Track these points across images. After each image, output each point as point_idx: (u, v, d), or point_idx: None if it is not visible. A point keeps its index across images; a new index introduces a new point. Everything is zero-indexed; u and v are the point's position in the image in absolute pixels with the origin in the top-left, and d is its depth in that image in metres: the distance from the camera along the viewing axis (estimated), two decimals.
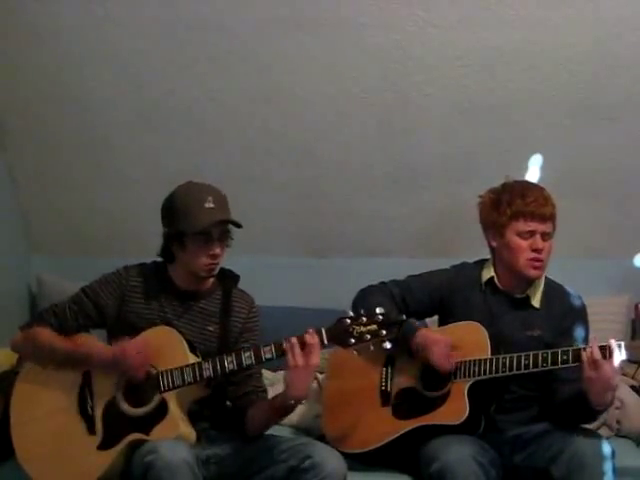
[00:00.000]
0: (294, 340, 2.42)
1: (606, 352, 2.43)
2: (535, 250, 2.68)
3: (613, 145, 3.48)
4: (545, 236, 2.69)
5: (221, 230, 2.58)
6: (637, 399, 3.20)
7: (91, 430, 2.53)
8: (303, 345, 2.41)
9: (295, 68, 3.43)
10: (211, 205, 2.55)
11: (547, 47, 3.28)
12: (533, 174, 3.40)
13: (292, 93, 3.49)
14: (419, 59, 3.35)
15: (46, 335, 2.60)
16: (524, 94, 3.39)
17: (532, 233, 2.68)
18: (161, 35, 3.40)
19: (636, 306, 3.55)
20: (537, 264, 2.69)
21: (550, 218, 2.70)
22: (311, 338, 2.41)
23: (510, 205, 2.70)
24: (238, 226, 2.59)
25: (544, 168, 3.41)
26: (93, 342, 2.63)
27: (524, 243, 2.69)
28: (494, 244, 2.78)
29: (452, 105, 3.44)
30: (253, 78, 3.47)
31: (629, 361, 3.33)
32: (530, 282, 2.76)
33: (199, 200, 2.55)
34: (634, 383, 3.30)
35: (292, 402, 2.46)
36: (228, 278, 2.72)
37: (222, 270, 2.72)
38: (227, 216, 2.57)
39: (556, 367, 2.52)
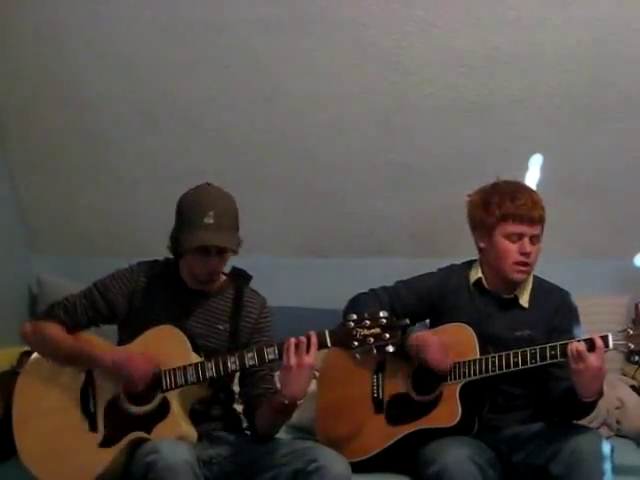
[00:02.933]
0: (291, 340, 2.42)
1: (591, 345, 2.43)
2: (523, 254, 2.67)
3: (613, 145, 3.47)
4: (533, 239, 2.68)
5: (220, 248, 2.56)
6: (637, 399, 3.20)
7: (93, 427, 2.53)
8: (298, 345, 2.41)
9: (295, 68, 3.43)
10: (210, 221, 2.51)
11: (547, 47, 3.28)
12: (533, 174, 3.40)
13: (292, 93, 3.49)
14: (419, 59, 3.35)
15: (54, 331, 2.62)
16: (524, 94, 3.39)
17: (520, 236, 2.67)
18: (161, 35, 3.40)
19: (636, 306, 3.54)
20: (523, 268, 2.68)
21: (539, 221, 2.68)
22: (303, 338, 2.41)
23: (499, 207, 2.68)
24: (234, 252, 2.56)
25: (544, 168, 3.41)
26: (99, 343, 2.64)
27: (512, 246, 2.67)
28: (482, 245, 2.77)
29: (452, 105, 3.44)
30: (253, 78, 3.47)
31: (629, 362, 3.35)
32: (517, 283, 2.76)
33: (200, 213, 2.52)
34: (634, 383, 3.31)
35: (286, 402, 2.44)
36: (240, 277, 2.72)
37: (235, 269, 2.72)
38: (221, 238, 2.52)
39: (545, 363, 2.52)
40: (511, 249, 2.68)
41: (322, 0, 3.29)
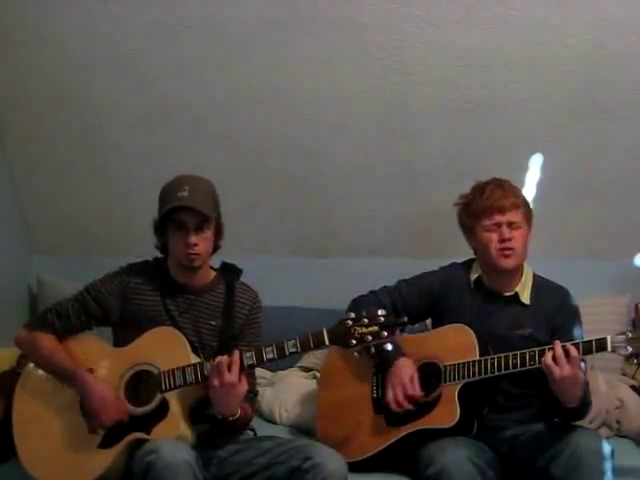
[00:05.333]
0: (217, 360, 2.45)
1: (566, 353, 2.46)
2: (503, 240, 2.71)
3: (613, 145, 3.47)
4: (512, 225, 2.73)
5: (197, 221, 2.57)
6: (637, 399, 3.20)
7: (92, 429, 2.54)
8: (220, 364, 2.44)
9: (295, 68, 3.43)
10: (184, 194, 2.54)
11: (547, 47, 3.28)
12: (533, 174, 3.40)
13: (292, 93, 3.49)
14: (419, 59, 3.34)
15: (47, 344, 2.64)
16: (524, 94, 3.39)
17: (497, 225, 2.73)
18: (161, 35, 3.39)
19: (636, 306, 3.52)
20: (508, 252, 2.72)
21: (512, 207, 2.73)
22: (226, 358, 2.44)
23: (472, 205, 2.78)
24: (206, 217, 2.57)
25: (544, 168, 3.41)
26: (97, 350, 2.64)
27: (492, 235, 2.73)
28: (473, 245, 2.83)
29: (452, 105, 3.44)
30: (253, 78, 3.47)
31: (627, 358, 3.35)
32: (515, 277, 2.77)
33: (175, 188, 2.57)
34: (634, 383, 3.31)
35: (220, 417, 2.49)
36: (230, 272, 2.73)
37: (224, 264, 2.73)
38: (195, 205, 2.55)
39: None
40: (492, 239, 2.73)
41: (322, 0, 3.28)
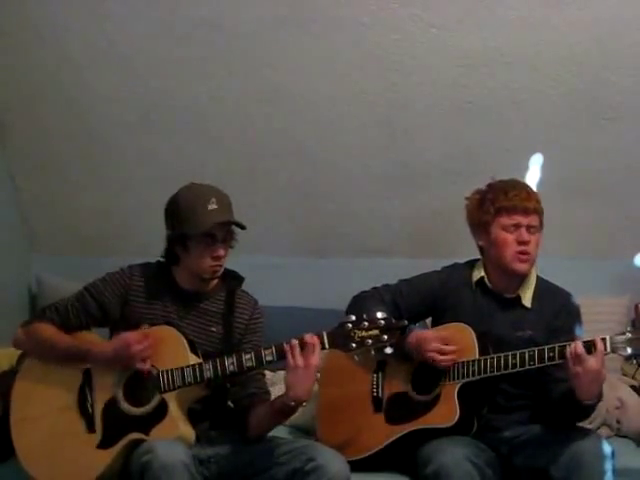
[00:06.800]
0: (294, 341, 2.41)
1: (590, 347, 2.43)
2: (521, 243, 2.69)
3: (613, 145, 3.48)
4: (531, 229, 2.71)
5: (225, 232, 2.58)
6: (637, 399, 3.20)
7: (91, 429, 2.53)
8: (303, 346, 2.40)
9: (295, 68, 3.43)
10: (214, 206, 2.54)
11: (547, 47, 3.28)
12: (533, 174, 3.40)
13: (292, 93, 3.49)
14: (419, 59, 3.35)
15: (47, 330, 2.62)
16: (524, 94, 3.39)
17: (517, 226, 2.70)
18: (161, 35, 3.40)
19: (636, 306, 3.51)
20: (524, 257, 2.70)
21: (534, 212, 2.71)
22: (310, 338, 2.40)
23: (494, 202, 2.73)
24: (242, 227, 2.60)
25: (544, 168, 3.41)
26: (94, 338, 2.64)
27: (510, 237, 2.70)
28: (481, 243, 2.80)
29: (452, 105, 3.44)
30: (253, 78, 3.47)
31: (627, 358, 3.35)
32: (520, 280, 2.76)
33: (202, 201, 2.54)
34: (634, 383, 3.31)
35: (292, 404, 2.45)
36: (232, 279, 2.72)
37: (226, 271, 2.71)
38: (231, 217, 2.58)
39: (543, 365, 2.52)
40: (509, 239, 2.70)
41: (322, 0, 3.29)
